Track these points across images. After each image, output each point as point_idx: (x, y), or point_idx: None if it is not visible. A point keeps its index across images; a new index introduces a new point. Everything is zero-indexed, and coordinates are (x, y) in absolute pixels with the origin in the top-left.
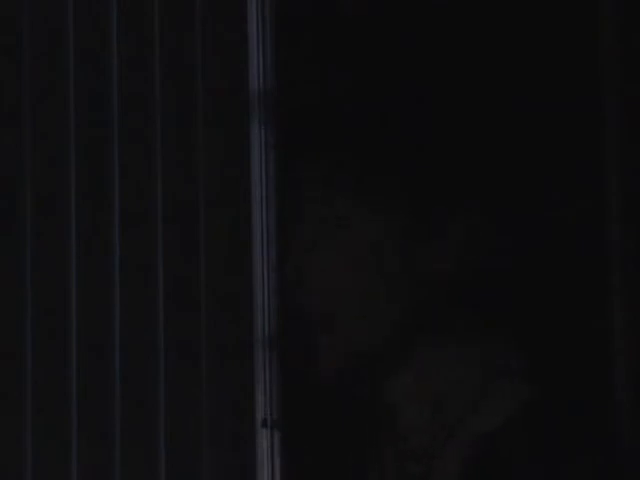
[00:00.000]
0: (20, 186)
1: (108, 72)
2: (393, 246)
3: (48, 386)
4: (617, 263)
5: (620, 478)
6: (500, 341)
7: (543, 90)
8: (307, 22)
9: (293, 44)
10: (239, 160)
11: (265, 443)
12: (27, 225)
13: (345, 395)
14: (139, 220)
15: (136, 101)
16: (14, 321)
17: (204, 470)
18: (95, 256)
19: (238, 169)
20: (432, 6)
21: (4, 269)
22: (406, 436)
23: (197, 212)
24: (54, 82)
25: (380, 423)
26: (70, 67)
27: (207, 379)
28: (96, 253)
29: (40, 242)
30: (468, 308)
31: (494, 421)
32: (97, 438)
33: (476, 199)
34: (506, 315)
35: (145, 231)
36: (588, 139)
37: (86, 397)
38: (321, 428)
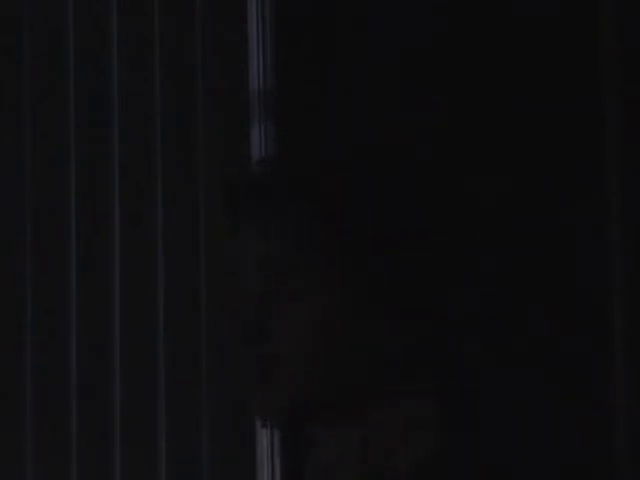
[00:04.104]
0: (20, 186)
1: (108, 72)
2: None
3: (48, 386)
4: (617, 263)
5: None
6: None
7: (543, 90)
8: (307, 22)
9: (293, 44)
10: (239, 159)
11: (265, 443)
12: (27, 225)
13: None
14: (139, 220)
15: (136, 101)
16: (14, 321)
17: (204, 470)
18: (95, 256)
19: (238, 168)
20: (432, 6)
21: (4, 269)
22: None
23: (197, 212)
24: (54, 82)
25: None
26: (70, 67)
27: (207, 379)
28: (96, 253)
29: (40, 242)
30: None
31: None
32: (97, 438)
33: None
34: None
35: (145, 231)
36: (588, 139)
37: (86, 397)
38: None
